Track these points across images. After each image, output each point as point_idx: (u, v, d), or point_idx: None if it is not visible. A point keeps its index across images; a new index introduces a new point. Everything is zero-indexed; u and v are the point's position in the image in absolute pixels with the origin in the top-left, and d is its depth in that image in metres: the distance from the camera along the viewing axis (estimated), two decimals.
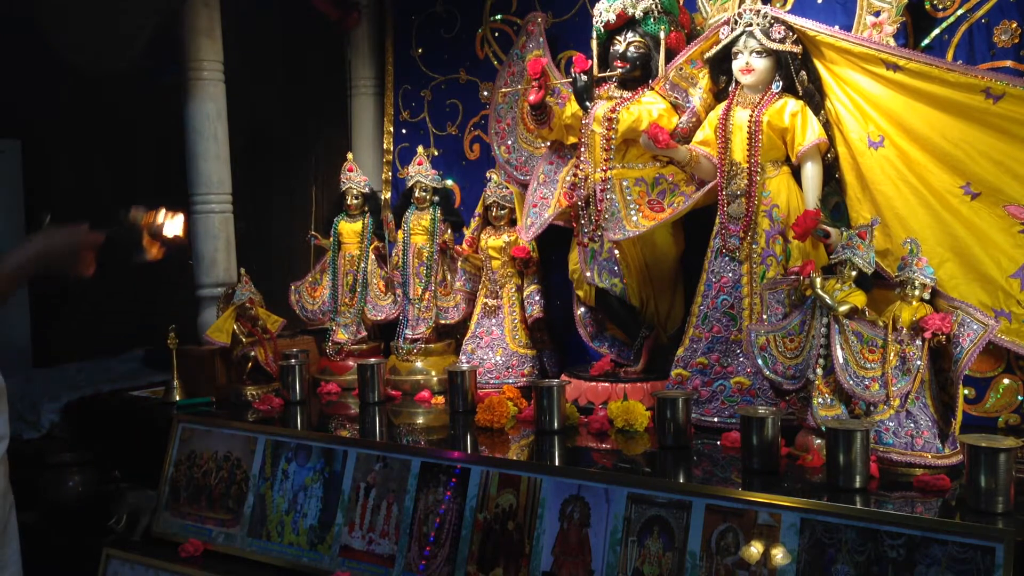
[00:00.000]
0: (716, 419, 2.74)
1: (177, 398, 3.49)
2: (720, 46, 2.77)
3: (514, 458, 2.56)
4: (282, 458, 2.89)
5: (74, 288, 5.10)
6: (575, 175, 3.05)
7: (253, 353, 3.48)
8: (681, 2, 3.04)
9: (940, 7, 2.65)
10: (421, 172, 3.58)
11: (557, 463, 2.51)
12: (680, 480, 2.30)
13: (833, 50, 2.64)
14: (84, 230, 2.12)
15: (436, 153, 3.93)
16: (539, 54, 3.37)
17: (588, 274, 3.09)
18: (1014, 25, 2.53)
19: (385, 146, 4.12)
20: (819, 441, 2.35)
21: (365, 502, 2.67)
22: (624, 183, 2.97)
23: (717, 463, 2.45)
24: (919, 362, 2.31)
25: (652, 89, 2.98)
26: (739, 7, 2.78)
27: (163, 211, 2.31)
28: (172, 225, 2.34)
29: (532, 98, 3.07)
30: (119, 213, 2.27)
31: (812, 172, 2.70)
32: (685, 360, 2.83)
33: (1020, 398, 2.49)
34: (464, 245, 3.61)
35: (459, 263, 3.60)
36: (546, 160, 3.31)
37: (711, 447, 2.59)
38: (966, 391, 2.41)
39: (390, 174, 4.13)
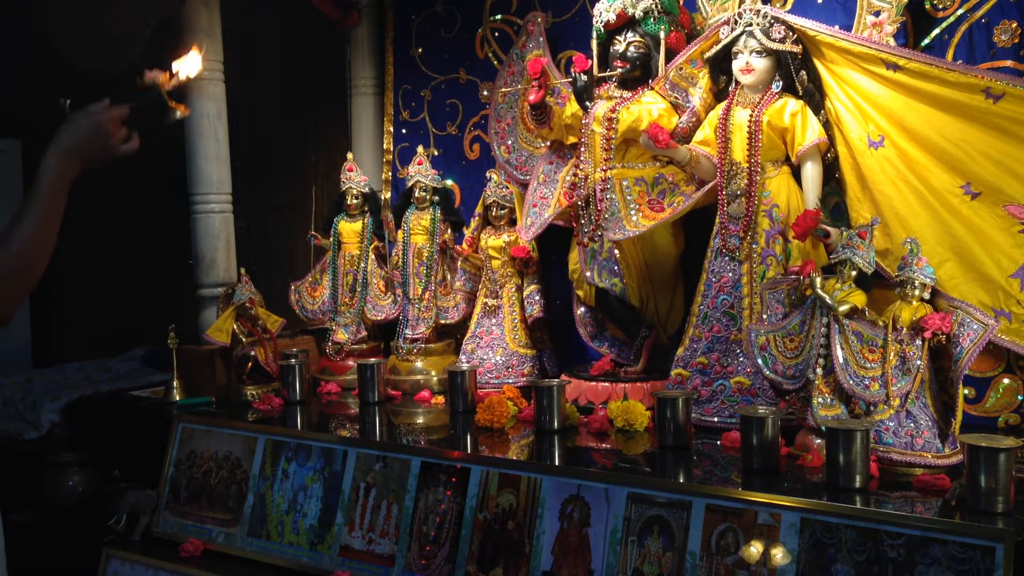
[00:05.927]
0: (716, 419, 2.74)
1: (177, 398, 3.49)
2: (720, 46, 2.77)
3: (514, 458, 2.56)
4: (282, 458, 2.89)
5: (74, 287, 5.10)
6: (575, 175, 3.05)
7: (253, 353, 3.48)
8: (681, 2, 3.05)
9: (940, 7, 2.65)
10: (421, 172, 3.58)
11: (557, 463, 2.51)
12: (680, 480, 2.30)
13: (833, 50, 2.63)
14: (105, 107, 2.01)
15: (436, 153, 3.93)
16: (539, 54, 3.37)
17: (588, 274, 3.09)
18: (1014, 25, 2.53)
19: (385, 146, 4.12)
20: (819, 441, 2.35)
21: (365, 502, 2.67)
22: (624, 183, 2.97)
23: (717, 463, 2.44)
24: (919, 362, 2.31)
25: (652, 89, 2.98)
26: (739, 7, 2.77)
27: (176, 63, 2.11)
28: (189, 67, 2.12)
29: (532, 98, 3.07)
30: (135, 80, 2.10)
31: (812, 172, 2.70)
32: (685, 360, 2.83)
33: (1020, 398, 2.49)
34: (464, 245, 3.61)
35: (459, 263, 3.59)
36: (546, 160, 3.31)
37: (711, 447, 2.58)
38: (966, 391, 2.40)
39: (390, 174, 4.13)
